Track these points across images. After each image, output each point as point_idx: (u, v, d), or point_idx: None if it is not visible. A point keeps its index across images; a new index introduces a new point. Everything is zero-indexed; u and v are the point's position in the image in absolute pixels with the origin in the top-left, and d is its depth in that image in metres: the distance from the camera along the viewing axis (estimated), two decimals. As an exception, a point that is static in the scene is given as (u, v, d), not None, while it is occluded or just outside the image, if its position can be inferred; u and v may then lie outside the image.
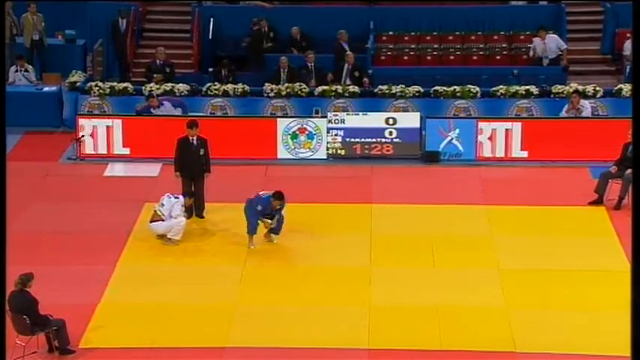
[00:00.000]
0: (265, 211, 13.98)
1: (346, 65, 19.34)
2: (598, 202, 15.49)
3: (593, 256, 13.81)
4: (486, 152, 17.55)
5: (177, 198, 14.33)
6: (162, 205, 14.28)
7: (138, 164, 17.59)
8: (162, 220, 14.19)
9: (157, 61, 19.84)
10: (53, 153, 18.02)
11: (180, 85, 18.87)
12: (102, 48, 20.82)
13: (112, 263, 13.55)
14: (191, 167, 14.97)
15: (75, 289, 12.81)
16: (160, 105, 18.00)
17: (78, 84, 19.26)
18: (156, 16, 22.23)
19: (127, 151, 17.77)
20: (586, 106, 17.84)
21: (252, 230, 13.96)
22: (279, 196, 13.95)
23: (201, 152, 15.06)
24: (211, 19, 21.15)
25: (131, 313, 12.28)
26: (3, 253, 8.13)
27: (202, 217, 15.07)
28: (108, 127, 17.76)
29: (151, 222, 14.27)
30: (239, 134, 17.80)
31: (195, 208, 15.01)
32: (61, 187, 16.58)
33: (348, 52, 19.58)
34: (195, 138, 15.09)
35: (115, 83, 19.26)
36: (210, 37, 21.12)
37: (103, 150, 17.76)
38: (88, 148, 17.76)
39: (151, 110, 18.04)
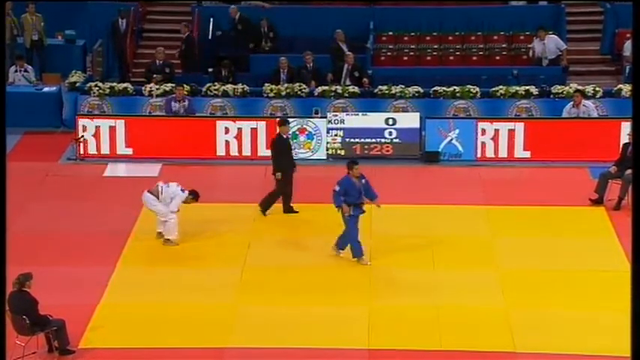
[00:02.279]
0: (351, 190, 13.36)
1: (346, 66, 19.34)
2: (598, 202, 15.50)
3: (593, 257, 13.81)
4: (489, 152, 17.53)
5: (183, 191, 14.18)
6: (168, 186, 14.16)
7: (138, 164, 17.59)
8: (157, 199, 14.04)
9: (157, 61, 19.84)
10: (53, 153, 18.02)
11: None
12: (102, 48, 20.83)
13: (112, 263, 13.54)
14: (290, 163, 15.12)
15: (75, 289, 12.80)
16: (184, 100, 18.03)
17: (78, 84, 19.26)
18: (156, 16, 22.24)
19: (129, 151, 17.77)
20: (590, 107, 17.83)
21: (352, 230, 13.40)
22: (351, 162, 13.59)
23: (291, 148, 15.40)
24: (211, 19, 21.16)
25: (131, 313, 12.27)
26: (3, 253, 8.12)
27: (294, 212, 15.11)
28: (111, 127, 17.73)
29: (148, 192, 14.17)
30: (239, 134, 17.81)
31: (284, 203, 15.05)
32: (60, 188, 16.58)
33: (348, 53, 19.58)
34: (287, 135, 15.36)
35: (114, 83, 19.26)
36: (209, 37, 21.12)
37: (105, 150, 17.73)
38: (91, 148, 17.70)
39: (173, 103, 18.01)
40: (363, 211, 13.50)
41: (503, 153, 17.57)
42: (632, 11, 8.28)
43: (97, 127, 17.74)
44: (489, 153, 17.55)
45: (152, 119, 18.17)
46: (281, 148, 15.21)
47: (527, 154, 17.54)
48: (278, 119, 15.94)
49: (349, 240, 13.47)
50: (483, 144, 17.56)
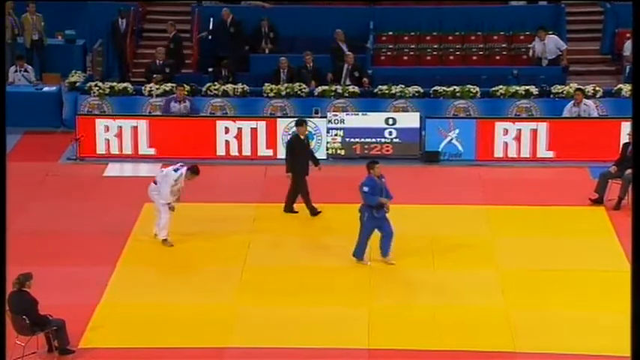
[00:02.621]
0: (375, 190, 13.28)
1: (346, 65, 19.34)
2: (598, 202, 15.50)
3: (593, 257, 13.80)
4: (511, 152, 17.45)
5: (176, 171, 13.89)
6: (162, 170, 14.04)
7: (138, 164, 17.59)
8: (155, 183, 13.93)
9: (157, 61, 19.84)
10: (53, 153, 18.02)
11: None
12: (102, 48, 20.83)
13: (112, 263, 13.54)
14: (305, 164, 15.11)
15: (75, 289, 12.80)
16: (185, 101, 18.01)
17: (78, 84, 19.26)
18: (156, 16, 22.23)
19: (152, 151, 17.71)
20: (591, 106, 17.84)
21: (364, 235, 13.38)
22: (372, 162, 13.54)
23: (309, 149, 15.44)
24: (211, 19, 21.16)
25: (131, 313, 12.27)
26: (3, 253, 8.14)
27: (316, 214, 15.06)
28: (134, 127, 17.64)
29: (153, 182, 14.00)
30: (239, 134, 17.81)
31: (307, 207, 15.04)
32: (60, 188, 16.58)
33: (348, 53, 19.58)
34: (304, 136, 15.36)
35: (114, 83, 19.26)
36: (209, 37, 21.11)
37: (127, 150, 17.68)
38: (113, 148, 17.67)
39: (173, 103, 17.99)
40: (386, 212, 13.39)
41: (506, 153, 17.56)
42: (632, 11, 8.29)
43: (120, 128, 17.63)
44: (512, 153, 17.42)
45: (152, 119, 18.14)
46: (295, 148, 15.22)
47: (528, 154, 17.52)
48: (295, 120, 15.97)
49: (361, 238, 13.38)
50: (505, 144, 17.45)
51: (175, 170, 13.93)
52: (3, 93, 9.04)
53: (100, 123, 17.81)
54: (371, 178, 13.37)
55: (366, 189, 13.28)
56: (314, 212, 15.11)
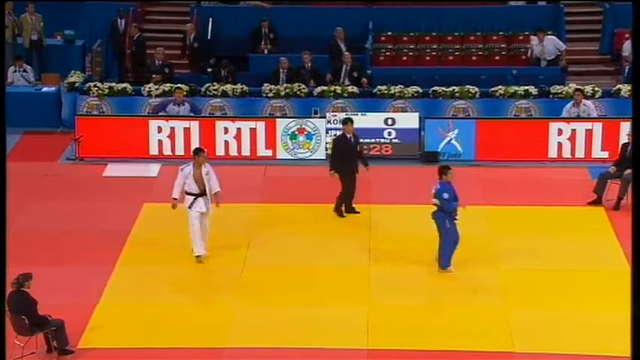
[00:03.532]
0: (452, 194, 13.11)
1: (344, 66, 19.34)
2: (597, 202, 15.50)
3: (592, 257, 13.80)
4: (495, 152, 17.43)
5: (182, 170, 13.41)
6: (183, 169, 13.44)
7: (137, 164, 17.58)
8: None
9: (156, 61, 19.83)
10: (52, 153, 18.01)
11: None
12: (101, 48, 20.82)
13: (111, 263, 13.53)
14: (352, 164, 15.00)
15: (74, 289, 12.80)
16: (183, 103, 18.00)
17: (77, 84, 19.26)
18: (155, 16, 22.23)
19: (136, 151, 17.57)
20: (590, 106, 17.84)
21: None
22: (445, 167, 13.35)
23: (358, 148, 15.26)
24: (210, 20, 21.16)
25: (130, 313, 12.27)
26: (3, 253, 8.12)
27: (356, 212, 14.98)
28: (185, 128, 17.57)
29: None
30: (238, 134, 17.80)
31: (345, 203, 14.94)
32: (59, 188, 16.57)
33: (346, 53, 19.57)
34: (351, 134, 15.21)
35: (113, 84, 19.25)
36: (208, 37, 21.12)
37: (180, 151, 17.53)
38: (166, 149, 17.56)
39: (171, 106, 17.96)
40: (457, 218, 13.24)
41: (505, 153, 17.57)
42: (632, 11, 8.28)
43: (172, 129, 17.56)
44: (495, 153, 17.39)
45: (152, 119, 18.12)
46: (338, 146, 15.16)
47: (528, 154, 17.51)
48: (343, 118, 15.80)
49: (447, 247, 13.08)
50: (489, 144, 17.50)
51: (182, 170, 13.65)
52: (3, 93, 9.02)
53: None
54: (446, 183, 13.13)
55: (446, 195, 13.02)
56: (339, 212, 14.98)
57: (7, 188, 8.27)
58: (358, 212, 15.06)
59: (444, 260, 13.17)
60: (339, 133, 15.96)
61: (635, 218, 7.92)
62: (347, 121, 15.38)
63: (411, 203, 15.56)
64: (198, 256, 13.46)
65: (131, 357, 11.39)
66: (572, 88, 18.40)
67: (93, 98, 18.90)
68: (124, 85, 19.19)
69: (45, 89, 19.61)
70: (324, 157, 17.69)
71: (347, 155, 15.04)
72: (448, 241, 13.12)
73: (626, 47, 20.34)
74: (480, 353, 11.36)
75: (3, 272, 8.19)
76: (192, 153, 13.92)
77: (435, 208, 13.18)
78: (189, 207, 13.39)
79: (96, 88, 18.92)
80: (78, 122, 17.89)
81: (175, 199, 13.50)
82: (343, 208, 15.06)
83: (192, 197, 13.39)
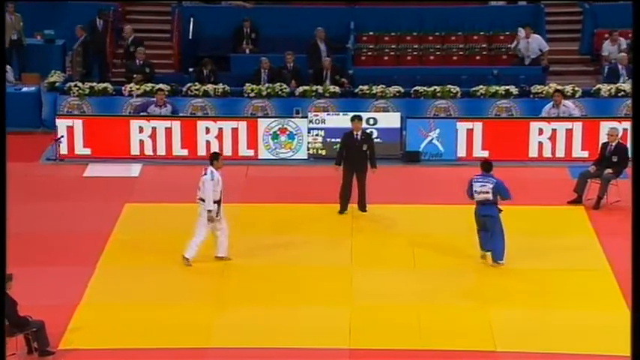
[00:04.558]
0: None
1: (325, 71, 19.33)
2: (577, 201, 15.59)
3: (573, 256, 13.88)
4: (477, 152, 17.53)
5: (205, 173, 13.06)
6: (206, 174, 13.07)
7: (118, 165, 17.53)
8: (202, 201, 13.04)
9: (137, 61, 19.77)
10: (32, 153, 17.92)
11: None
12: (81, 48, 20.73)
13: (92, 264, 13.49)
14: (354, 162, 14.94)
15: (55, 289, 12.75)
16: (165, 105, 17.94)
17: (57, 84, 19.17)
18: (135, 16, 22.16)
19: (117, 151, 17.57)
20: (570, 107, 17.93)
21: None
22: (488, 163, 13.51)
23: (364, 147, 15.09)
24: (191, 19, 21.12)
25: (111, 313, 12.23)
26: (3, 253, 8.08)
27: (365, 212, 14.98)
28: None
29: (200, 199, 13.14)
30: (219, 134, 17.78)
31: (358, 203, 14.94)
32: (40, 188, 16.49)
33: (326, 59, 19.55)
34: (359, 132, 15.13)
35: (94, 83, 19.18)
36: (190, 37, 21.08)
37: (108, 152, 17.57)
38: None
39: (153, 107, 17.91)
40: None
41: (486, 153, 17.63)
42: (632, 11, 8.31)
43: (154, 129, 17.52)
44: (477, 153, 17.45)
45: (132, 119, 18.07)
46: (343, 143, 15.18)
47: (509, 154, 17.60)
48: (352, 115, 15.73)
49: (502, 240, 13.31)
50: (472, 143, 17.58)
51: (204, 174, 13.34)
52: (3, 93, 8.97)
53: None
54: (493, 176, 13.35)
55: (507, 186, 13.22)
56: (343, 208, 14.99)
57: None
58: (366, 211, 15.07)
59: (502, 254, 13.29)
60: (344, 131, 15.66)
61: (635, 218, 7.94)
62: (354, 119, 15.35)
63: (393, 203, 15.61)
64: (188, 259, 13.30)
65: (112, 358, 11.35)
66: (553, 89, 18.50)
67: (73, 98, 18.83)
68: (105, 84, 19.12)
69: (25, 89, 19.52)
70: (305, 157, 17.72)
71: (351, 153, 15.00)
72: (503, 234, 13.27)
73: (606, 47, 20.49)
74: (461, 353, 11.39)
75: (3, 272, 8.15)
76: (211, 157, 13.50)
77: (485, 203, 13.25)
78: (216, 215, 13.09)
79: (76, 88, 18.85)
80: (58, 122, 17.82)
81: (211, 210, 13.07)
82: (355, 205, 15.01)
83: (216, 205, 13.07)
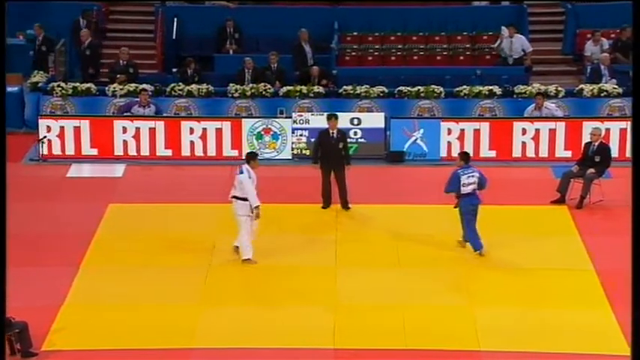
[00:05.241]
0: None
1: (312, 78, 19.31)
2: (560, 201, 15.65)
3: (556, 255, 13.94)
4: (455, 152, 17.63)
5: (242, 172, 13.11)
6: (242, 172, 13.14)
7: (101, 165, 17.47)
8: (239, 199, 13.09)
9: (121, 61, 19.71)
10: (15, 154, 17.79)
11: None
12: (64, 48, 20.65)
13: (76, 264, 13.44)
14: (330, 160, 15.03)
15: (38, 290, 12.69)
16: (149, 105, 17.89)
17: (40, 84, 19.08)
18: (119, 16, 22.09)
19: (94, 151, 17.64)
20: (552, 108, 17.99)
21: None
22: (467, 155, 13.82)
23: (340, 145, 15.21)
24: (175, 19, 21.07)
25: (95, 314, 12.18)
26: (3, 253, 8.04)
27: (348, 209, 15.05)
28: (75, 127, 17.56)
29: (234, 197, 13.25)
30: (203, 135, 17.75)
31: (340, 201, 14.97)
32: (23, 189, 16.39)
33: (314, 67, 19.51)
34: (335, 131, 15.22)
35: (77, 84, 19.10)
36: (173, 37, 21.04)
37: (70, 151, 17.56)
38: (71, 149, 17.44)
39: (136, 108, 17.86)
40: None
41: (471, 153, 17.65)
42: (632, 11, 8.32)
43: (62, 127, 17.50)
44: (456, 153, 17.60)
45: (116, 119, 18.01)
46: (319, 141, 15.30)
47: (494, 154, 17.66)
48: (328, 113, 15.85)
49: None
50: (452, 143, 17.64)
51: (241, 172, 13.36)
52: (3, 93, 8.91)
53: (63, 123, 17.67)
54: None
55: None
56: (326, 205, 15.12)
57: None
58: (349, 208, 15.14)
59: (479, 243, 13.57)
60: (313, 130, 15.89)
61: (635, 218, 7.96)
62: (330, 117, 15.44)
63: (376, 203, 15.62)
64: (248, 259, 13.31)
65: (96, 359, 11.31)
66: (536, 89, 18.57)
67: (56, 98, 18.75)
68: (88, 85, 19.05)
69: (7, 89, 19.39)
70: (290, 157, 17.72)
71: (327, 151, 15.06)
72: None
73: (588, 47, 20.60)
74: (446, 352, 11.42)
75: (3, 272, 8.11)
76: (247, 157, 13.58)
77: (473, 193, 13.54)
78: (250, 214, 13.20)
79: (59, 88, 18.77)
80: (41, 123, 17.74)
81: (258, 206, 13.16)
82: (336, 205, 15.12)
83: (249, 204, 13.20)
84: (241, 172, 13.27)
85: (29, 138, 18.08)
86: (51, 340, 11.53)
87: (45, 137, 17.59)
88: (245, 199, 13.21)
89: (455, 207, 13.64)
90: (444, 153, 17.67)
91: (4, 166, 8.38)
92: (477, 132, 17.76)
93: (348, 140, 17.60)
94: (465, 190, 13.51)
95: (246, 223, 13.27)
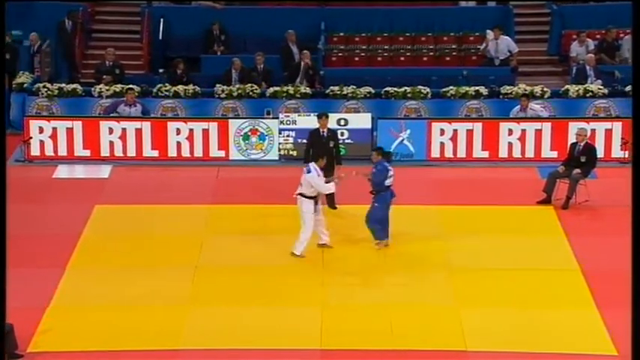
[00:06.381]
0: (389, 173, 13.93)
1: (303, 64, 19.32)
2: (546, 201, 15.71)
3: (542, 255, 13.98)
4: (448, 152, 17.65)
5: (310, 172, 13.45)
6: (310, 171, 13.49)
7: (87, 166, 17.43)
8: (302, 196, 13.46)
9: (107, 62, 19.67)
10: (0, 155, 17.74)
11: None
12: (49, 49, 20.59)
13: (62, 266, 13.40)
14: (321, 158, 14.94)
15: (24, 292, 12.62)
16: (135, 104, 17.85)
17: (25, 85, 19.02)
18: (105, 16, 22.05)
19: (87, 152, 17.59)
20: (537, 109, 18.05)
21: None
22: (387, 152, 14.37)
23: (331, 144, 15.23)
24: (161, 20, 21.04)
25: (81, 316, 12.15)
26: (3, 253, 8.01)
27: (335, 209, 15.10)
28: (68, 128, 17.51)
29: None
30: (190, 135, 17.73)
31: (327, 200, 15.00)
32: (8, 190, 16.25)
33: (305, 52, 19.54)
34: (325, 130, 15.22)
35: (63, 84, 19.05)
36: (160, 37, 21.01)
37: (62, 152, 17.52)
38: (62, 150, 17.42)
39: (122, 107, 17.82)
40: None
41: (463, 153, 17.69)
42: (632, 11, 8.36)
43: (124, 130, 17.47)
44: (462, 153, 17.62)
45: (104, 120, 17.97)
46: (310, 140, 15.33)
47: (486, 154, 17.70)
48: (319, 112, 15.88)
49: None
50: (445, 144, 17.65)
51: (309, 172, 13.60)
52: (3, 93, 8.89)
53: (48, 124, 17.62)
54: (383, 168, 14.01)
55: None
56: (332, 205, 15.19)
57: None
58: (336, 208, 15.19)
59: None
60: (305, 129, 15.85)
61: (635, 218, 8.00)
62: (321, 116, 15.46)
63: (363, 203, 15.62)
64: (298, 255, 13.58)
65: (82, 360, 11.29)
66: (522, 90, 18.64)
67: (42, 99, 18.69)
68: (74, 85, 19.00)
69: (-7, 90, 19.32)
70: (277, 158, 17.71)
71: (318, 150, 15.04)
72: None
73: (574, 48, 20.69)
74: (432, 352, 11.44)
75: (3, 272, 8.08)
76: (313, 161, 13.85)
77: (390, 188, 13.94)
78: (314, 210, 13.57)
79: (45, 89, 18.71)
80: (27, 123, 17.68)
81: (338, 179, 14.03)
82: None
83: (312, 200, 13.56)
84: (309, 172, 13.57)
85: (15, 139, 18.00)
86: (37, 341, 11.50)
87: (31, 138, 17.52)
88: (310, 197, 13.45)
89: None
90: (435, 154, 17.67)
91: (4, 166, 8.36)
92: (463, 132, 17.76)
93: (335, 141, 17.77)
94: (388, 182, 13.94)
95: (309, 220, 13.48)
